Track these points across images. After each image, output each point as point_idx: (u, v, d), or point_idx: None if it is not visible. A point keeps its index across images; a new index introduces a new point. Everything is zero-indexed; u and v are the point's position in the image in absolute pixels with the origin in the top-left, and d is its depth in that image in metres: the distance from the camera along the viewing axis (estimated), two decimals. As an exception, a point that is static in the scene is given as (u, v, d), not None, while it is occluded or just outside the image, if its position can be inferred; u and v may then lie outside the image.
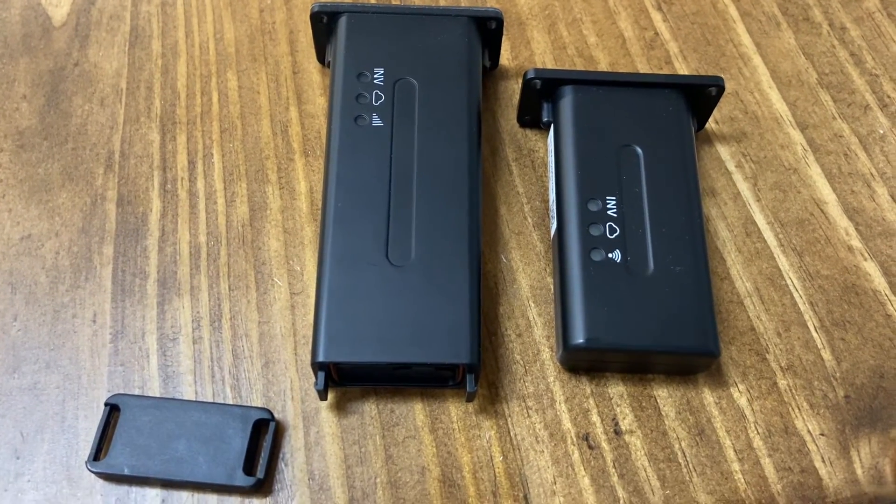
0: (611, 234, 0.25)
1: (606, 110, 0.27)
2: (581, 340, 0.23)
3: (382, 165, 0.26)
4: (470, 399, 0.24)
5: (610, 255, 0.25)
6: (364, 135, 0.26)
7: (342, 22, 0.28)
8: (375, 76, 0.27)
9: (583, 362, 0.25)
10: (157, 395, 0.24)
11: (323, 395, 0.23)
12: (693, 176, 0.26)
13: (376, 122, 0.26)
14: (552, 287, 0.27)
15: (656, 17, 0.33)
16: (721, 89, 0.28)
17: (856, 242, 0.28)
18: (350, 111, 0.26)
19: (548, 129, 0.29)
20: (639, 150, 0.26)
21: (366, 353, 0.23)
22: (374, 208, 0.25)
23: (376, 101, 0.27)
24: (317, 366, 0.23)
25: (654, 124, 0.27)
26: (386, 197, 0.25)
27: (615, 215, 0.25)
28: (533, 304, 0.27)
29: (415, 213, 0.25)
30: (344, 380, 0.24)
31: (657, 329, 0.23)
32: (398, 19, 0.28)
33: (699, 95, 0.28)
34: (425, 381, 0.24)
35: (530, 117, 0.30)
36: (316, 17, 0.28)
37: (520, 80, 0.31)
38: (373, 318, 0.23)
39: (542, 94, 0.28)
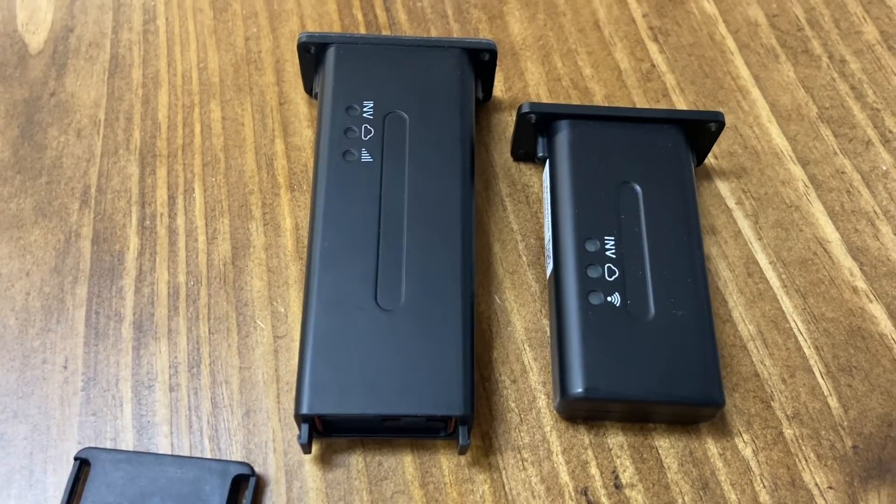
0: (610, 277, 0.24)
1: (604, 146, 0.26)
2: (580, 390, 0.22)
3: (371, 203, 0.24)
4: (462, 452, 0.23)
5: (609, 299, 0.23)
6: (353, 171, 0.25)
7: (330, 53, 0.27)
8: (365, 109, 0.26)
9: (581, 412, 0.24)
10: (131, 447, 0.23)
11: (307, 449, 0.22)
12: (694, 215, 0.25)
13: (365, 157, 0.25)
14: (548, 330, 0.26)
15: (652, 48, 0.33)
16: (721, 125, 0.27)
17: (860, 283, 0.27)
18: (338, 146, 0.25)
19: (543, 165, 0.28)
20: (637, 187, 0.25)
21: (353, 404, 0.21)
22: (363, 248, 0.24)
23: (365, 136, 0.26)
24: (300, 418, 0.21)
25: (653, 161, 0.26)
26: (375, 236, 0.24)
27: (614, 256, 0.24)
28: (528, 348, 0.26)
29: (405, 254, 0.24)
30: (329, 431, 0.23)
31: (659, 378, 0.22)
32: (388, 51, 0.27)
33: (699, 131, 0.27)
34: (415, 431, 0.23)
35: (525, 151, 0.29)
36: (303, 48, 0.27)
37: (514, 113, 0.30)
38: (360, 367, 0.22)
39: (537, 128, 0.27)
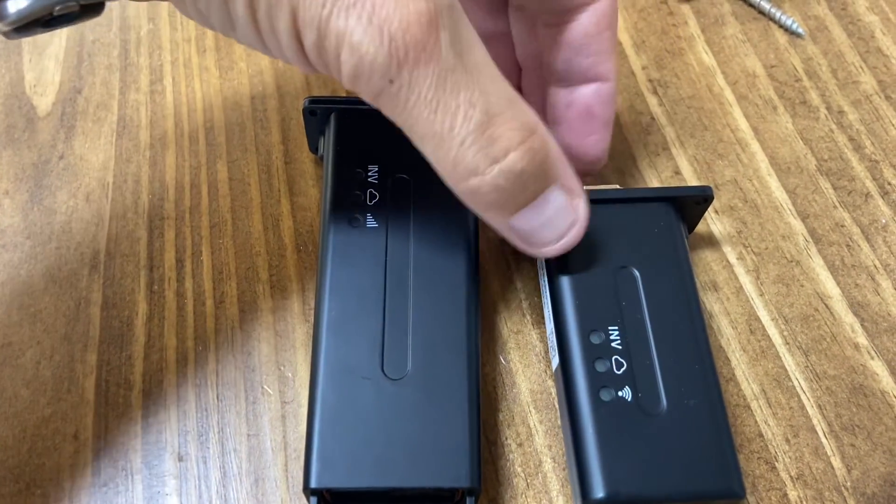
0: (618, 370, 0.24)
1: (598, 230, 0.26)
2: (602, 495, 0.22)
3: (377, 270, 0.25)
4: None
5: (620, 394, 0.23)
6: (358, 238, 0.25)
7: (333, 118, 0.28)
8: (370, 174, 0.27)
9: None
10: (141, 521, 0.23)
11: None
12: (693, 294, 0.25)
13: (371, 223, 0.26)
14: (551, 388, 0.26)
15: (652, 101, 0.33)
16: (709, 198, 0.27)
17: (862, 340, 0.27)
18: (344, 212, 0.26)
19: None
20: (636, 272, 0.25)
21: (361, 478, 0.22)
22: (369, 316, 0.24)
23: (370, 200, 0.26)
24: (308, 491, 0.22)
25: (648, 241, 0.26)
26: (381, 304, 0.24)
27: (620, 347, 0.24)
28: (534, 411, 0.26)
29: (411, 322, 0.24)
30: (337, 502, 0.23)
31: (679, 474, 0.22)
32: None
33: (688, 206, 0.27)
34: (422, 500, 0.23)
35: None
36: (308, 112, 0.28)
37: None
38: (368, 439, 0.22)
39: None
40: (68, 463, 0.24)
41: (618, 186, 0.29)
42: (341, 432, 0.22)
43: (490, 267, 0.29)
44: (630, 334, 0.24)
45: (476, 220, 0.27)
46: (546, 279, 0.26)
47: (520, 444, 0.25)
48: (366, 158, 0.27)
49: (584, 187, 0.24)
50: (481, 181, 0.20)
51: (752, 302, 0.28)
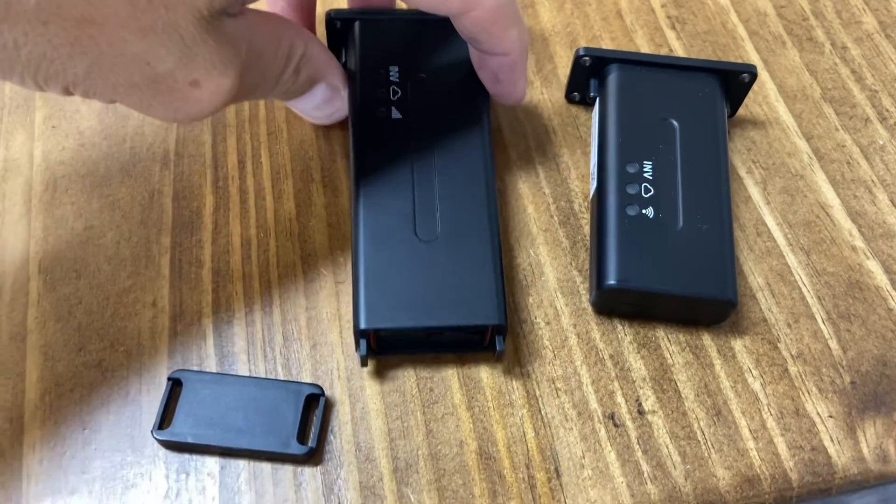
0: (645, 194, 0.28)
1: (648, 87, 0.30)
2: (613, 281, 0.26)
3: (404, 152, 0.28)
4: (499, 358, 0.26)
5: (644, 211, 0.27)
6: (385, 127, 0.28)
7: (357, 27, 0.31)
8: (391, 74, 0.30)
9: (613, 304, 0.27)
10: (214, 372, 0.26)
11: (364, 362, 0.25)
12: (724, 149, 0.29)
13: (395, 115, 0.29)
14: (576, 278, 0.29)
15: (670, 35, 0.36)
16: (753, 76, 0.31)
17: (859, 243, 0.30)
18: (371, 105, 0.29)
19: (593, 104, 0.32)
20: (675, 123, 0.29)
21: (402, 319, 0.25)
22: (400, 191, 0.27)
23: (393, 96, 0.29)
24: (359, 333, 0.25)
25: (691, 102, 0.30)
26: (410, 181, 0.27)
27: (650, 178, 0.28)
28: (560, 295, 0.29)
29: (437, 193, 0.27)
30: (382, 349, 0.26)
31: (683, 277, 0.26)
32: (407, 23, 0.31)
33: (733, 81, 0.31)
34: (457, 346, 0.26)
35: (578, 95, 0.33)
36: (331, 24, 0.31)
37: (547, 91, 0.33)
38: (407, 289, 0.25)
39: (590, 71, 0.31)
40: (148, 326, 0.27)
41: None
42: (383, 285, 0.25)
43: (520, 174, 0.31)
44: (661, 169, 0.28)
45: (487, 106, 0.30)
46: (597, 122, 0.30)
47: (548, 323, 0.28)
48: (387, 61, 0.30)
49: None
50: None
51: (759, 209, 0.31)
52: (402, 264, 0.26)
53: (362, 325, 0.25)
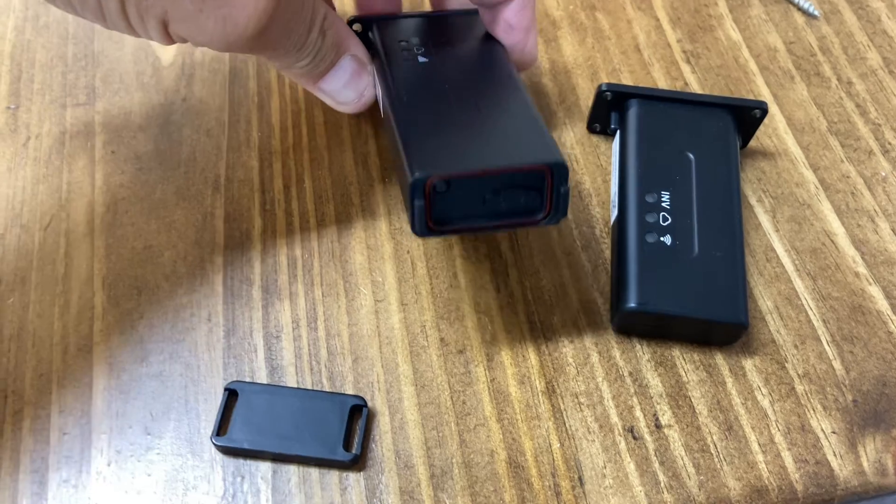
0: (663, 222, 0.30)
1: (666, 121, 0.33)
2: (634, 304, 0.28)
3: (433, 80, 0.29)
4: (564, 204, 0.25)
5: (662, 239, 0.30)
6: (415, 67, 0.30)
7: (376, 27, 0.32)
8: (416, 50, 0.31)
9: (633, 325, 0.30)
10: (266, 383, 0.28)
11: (420, 228, 0.24)
12: (736, 181, 0.31)
13: (421, 59, 0.30)
14: (597, 299, 0.31)
15: (685, 69, 0.38)
16: (764, 112, 0.33)
17: (862, 269, 0.32)
18: (398, 55, 0.30)
19: (613, 135, 0.34)
20: (691, 155, 0.32)
21: (457, 165, 0.23)
22: (436, 102, 0.27)
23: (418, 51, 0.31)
24: (414, 185, 0.23)
25: (706, 136, 0.32)
26: (446, 96, 0.28)
27: (668, 207, 0.30)
28: (583, 315, 0.31)
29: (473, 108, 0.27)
30: (437, 225, 0.24)
31: (698, 301, 0.28)
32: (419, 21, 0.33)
33: (745, 116, 0.33)
34: (516, 214, 0.25)
35: (598, 125, 0.35)
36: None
37: (569, 122, 0.36)
38: (453, 136, 0.25)
39: (611, 105, 0.34)
40: (204, 339, 0.29)
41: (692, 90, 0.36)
42: (426, 137, 0.25)
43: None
44: (678, 198, 0.31)
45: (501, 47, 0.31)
46: (618, 152, 0.33)
47: (571, 341, 0.30)
48: (403, 35, 0.32)
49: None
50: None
51: (769, 236, 0.33)
52: (441, 122, 0.25)
53: (417, 175, 0.23)
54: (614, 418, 0.29)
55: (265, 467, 0.27)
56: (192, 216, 0.32)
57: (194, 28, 0.24)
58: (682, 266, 0.29)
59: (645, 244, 0.30)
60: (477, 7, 0.31)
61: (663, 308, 0.28)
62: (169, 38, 0.25)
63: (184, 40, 0.25)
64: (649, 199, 0.31)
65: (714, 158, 0.32)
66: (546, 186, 0.24)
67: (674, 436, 0.28)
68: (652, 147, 0.32)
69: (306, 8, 0.27)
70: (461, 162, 0.24)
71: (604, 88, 0.33)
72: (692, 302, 0.28)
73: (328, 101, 0.31)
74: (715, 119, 0.33)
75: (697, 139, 0.32)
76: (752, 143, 0.36)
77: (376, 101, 0.32)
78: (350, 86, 0.30)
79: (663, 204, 0.31)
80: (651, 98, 0.33)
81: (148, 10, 0.23)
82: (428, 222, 0.24)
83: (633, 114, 0.33)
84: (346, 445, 0.27)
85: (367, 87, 0.31)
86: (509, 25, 0.30)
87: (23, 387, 0.28)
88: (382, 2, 0.34)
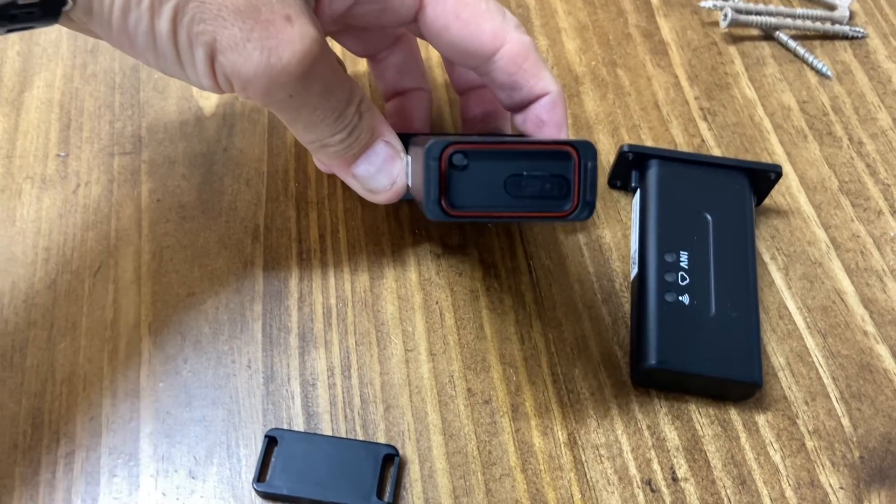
0: (682, 282, 0.32)
1: (684, 182, 0.35)
2: (654, 362, 0.30)
3: None
4: (593, 191, 0.23)
5: (680, 298, 0.31)
6: None
7: None
8: None
9: (652, 380, 0.31)
10: (302, 430, 0.30)
11: (436, 210, 0.22)
12: (751, 241, 0.33)
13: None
14: (617, 352, 0.33)
15: (702, 126, 0.40)
16: (779, 175, 0.35)
17: (870, 328, 0.34)
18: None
19: (634, 193, 0.36)
20: (709, 216, 0.33)
21: (476, 140, 0.23)
22: None
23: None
24: (431, 156, 0.22)
25: (723, 197, 0.34)
26: None
27: (686, 267, 0.32)
28: (603, 368, 0.32)
29: None
30: (456, 209, 0.23)
31: (715, 359, 0.30)
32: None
33: (760, 178, 0.35)
34: (541, 198, 0.23)
35: (619, 182, 0.37)
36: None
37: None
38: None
39: (632, 164, 0.36)
40: (244, 386, 0.31)
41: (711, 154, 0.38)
42: None
43: (567, 254, 0.35)
44: (695, 258, 0.32)
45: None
46: (638, 210, 0.34)
47: (592, 394, 0.32)
48: None
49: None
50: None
51: (781, 294, 0.35)
52: None
53: (434, 141, 0.22)
54: (633, 470, 0.30)
55: (302, 512, 0.28)
56: (232, 264, 0.34)
57: (240, 58, 0.24)
58: (699, 325, 0.31)
59: (664, 303, 0.31)
60: (509, 110, 0.32)
61: (681, 366, 0.30)
62: (212, 73, 0.25)
63: (225, 79, 0.25)
64: (668, 258, 0.32)
65: (730, 219, 0.34)
66: (573, 172, 0.22)
67: (690, 489, 0.30)
68: (671, 207, 0.34)
69: (347, 80, 0.28)
70: (480, 139, 0.22)
71: (626, 149, 0.35)
72: (709, 360, 0.30)
73: (360, 191, 0.30)
74: (731, 180, 0.35)
75: (715, 200, 0.34)
76: (766, 200, 0.37)
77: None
78: (383, 171, 0.29)
79: (682, 263, 0.32)
80: (671, 160, 0.35)
81: (198, 36, 0.24)
82: (442, 202, 0.22)
83: (653, 174, 0.35)
84: (380, 493, 0.28)
85: (400, 176, 0.29)
86: (540, 121, 0.30)
87: (74, 430, 0.30)
88: (410, 80, 0.35)
